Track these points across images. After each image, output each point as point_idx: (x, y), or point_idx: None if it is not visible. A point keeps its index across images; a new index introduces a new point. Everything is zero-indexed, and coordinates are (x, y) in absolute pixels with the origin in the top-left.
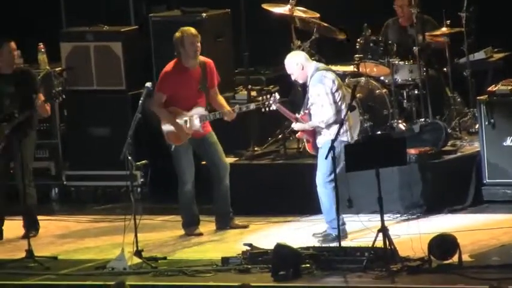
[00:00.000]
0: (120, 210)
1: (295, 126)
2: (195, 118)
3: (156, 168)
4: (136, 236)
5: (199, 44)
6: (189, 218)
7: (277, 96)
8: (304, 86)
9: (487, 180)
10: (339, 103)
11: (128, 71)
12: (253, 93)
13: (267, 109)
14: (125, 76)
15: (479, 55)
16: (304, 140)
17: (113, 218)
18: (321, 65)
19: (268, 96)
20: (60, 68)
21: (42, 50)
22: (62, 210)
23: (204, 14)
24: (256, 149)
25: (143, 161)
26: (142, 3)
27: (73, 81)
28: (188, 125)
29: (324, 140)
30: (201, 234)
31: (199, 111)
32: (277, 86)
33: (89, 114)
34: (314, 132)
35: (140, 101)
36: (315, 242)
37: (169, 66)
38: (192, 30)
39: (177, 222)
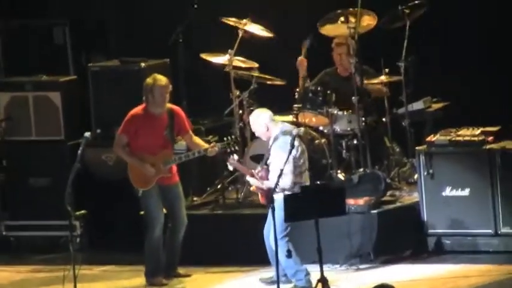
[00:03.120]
0: (60, 260)
1: (251, 180)
2: (160, 162)
3: (96, 218)
4: (75, 286)
5: (168, 95)
6: (154, 266)
7: (235, 157)
8: (243, 137)
9: (427, 231)
10: (300, 168)
11: (66, 121)
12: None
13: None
14: (63, 126)
15: (418, 105)
16: (259, 193)
17: (53, 268)
18: (287, 128)
19: (227, 157)
20: None
21: None
22: (1, 260)
23: (142, 64)
24: (195, 199)
25: (82, 211)
26: (81, 53)
27: (12, 131)
28: (155, 169)
29: (279, 198)
30: (165, 284)
31: (164, 156)
32: (217, 136)
33: (28, 164)
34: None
35: (79, 151)
36: None
37: (135, 109)
38: (164, 81)
39: (117, 273)
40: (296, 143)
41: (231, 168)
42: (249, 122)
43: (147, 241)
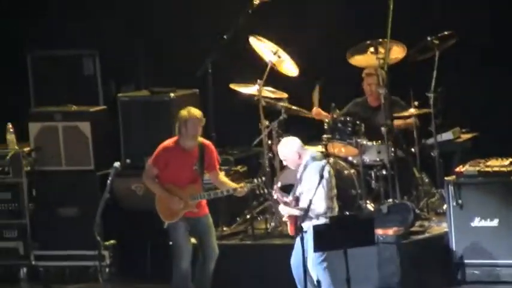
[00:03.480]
0: None
1: (282, 209)
2: (188, 196)
3: (125, 248)
4: None
5: (200, 128)
6: None
7: (279, 184)
8: (272, 167)
9: (456, 261)
10: (331, 192)
11: (96, 151)
12: (221, 174)
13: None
14: (93, 156)
15: (447, 136)
16: (288, 223)
17: None
18: (317, 154)
19: (273, 187)
20: (28, 148)
21: (11, 130)
22: None
23: (172, 94)
24: (224, 229)
25: (111, 241)
26: (111, 83)
27: (42, 161)
28: (182, 203)
29: (310, 225)
30: None
31: (193, 190)
32: (246, 167)
33: (57, 194)
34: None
35: (108, 181)
36: None
37: (168, 142)
38: (198, 113)
39: None
40: (328, 167)
41: (275, 196)
42: (278, 152)
43: (174, 273)
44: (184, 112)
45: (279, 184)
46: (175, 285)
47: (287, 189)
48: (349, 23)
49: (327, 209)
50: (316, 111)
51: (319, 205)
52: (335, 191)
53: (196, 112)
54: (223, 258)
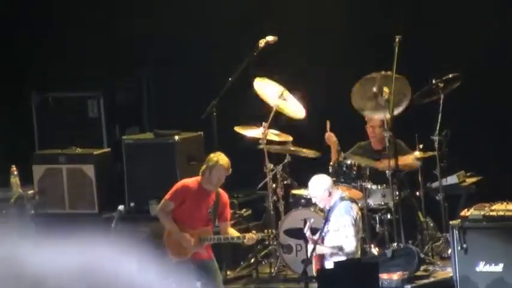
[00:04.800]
0: None
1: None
2: (197, 238)
3: None
4: None
5: (224, 178)
6: None
7: (312, 220)
8: (277, 211)
9: None
10: (358, 234)
11: (100, 194)
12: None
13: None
14: (97, 199)
15: (452, 179)
16: (313, 264)
17: None
18: (345, 194)
19: (304, 222)
20: (32, 191)
21: (15, 172)
22: None
23: (176, 137)
24: (228, 273)
25: None
26: (115, 125)
27: (45, 204)
28: (193, 241)
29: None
30: None
31: (203, 232)
32: (250, 210)
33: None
34: (323, 257)
35: (113, 224)
36: None
37: (189, 180)
38: (226, 164)
39: None
40: (357, 208)
41: (308, 233)
42: (283, 196)
43: None
44: (214, 157)
45: (312, 220)
46: None
47: (292, 233)
48: (353, 64)
49: (356, 247)
50: (328, 136)
51: (349, 244)
52: (361, 234)
53: (224, 162)
54: None
